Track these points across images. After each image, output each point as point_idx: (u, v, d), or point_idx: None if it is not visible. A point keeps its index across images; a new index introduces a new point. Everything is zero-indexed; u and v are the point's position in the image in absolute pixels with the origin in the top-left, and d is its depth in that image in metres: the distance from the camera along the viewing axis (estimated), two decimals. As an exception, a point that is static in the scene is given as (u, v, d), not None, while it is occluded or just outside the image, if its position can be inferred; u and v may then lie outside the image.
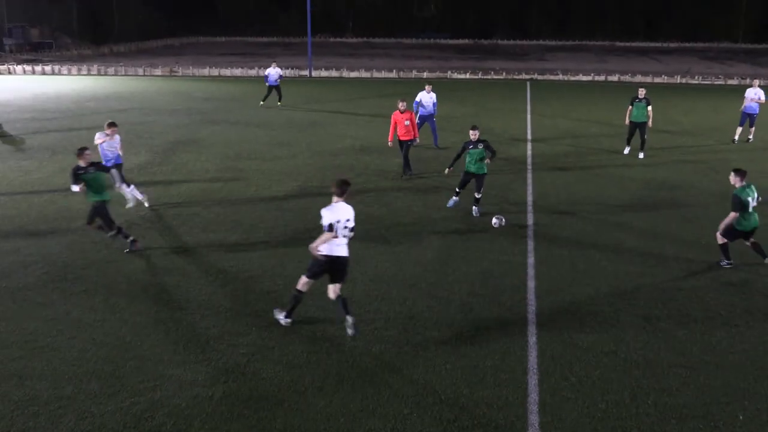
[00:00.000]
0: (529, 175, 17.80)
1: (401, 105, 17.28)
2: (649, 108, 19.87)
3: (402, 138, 17.27)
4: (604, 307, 10.04)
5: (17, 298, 10.14)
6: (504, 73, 42.76)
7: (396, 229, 13.41)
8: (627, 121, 20.31)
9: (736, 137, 22.51)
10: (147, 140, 21.84)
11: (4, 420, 7.18)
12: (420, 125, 19.77)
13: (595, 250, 12.39)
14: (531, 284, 10.81)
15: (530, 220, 14.09)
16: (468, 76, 42.09)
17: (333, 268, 8.89)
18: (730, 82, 41.32)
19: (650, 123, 20.03)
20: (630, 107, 20.10)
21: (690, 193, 16.35)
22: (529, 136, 23.21)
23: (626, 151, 20.41)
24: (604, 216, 14.54)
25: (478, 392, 7.78)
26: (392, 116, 17.47)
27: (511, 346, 8.82)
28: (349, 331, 8.86)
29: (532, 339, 9.01)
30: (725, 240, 11.55)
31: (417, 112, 20.36)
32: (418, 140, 17.56)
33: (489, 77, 42.04)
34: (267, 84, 29.22)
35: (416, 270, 11.37)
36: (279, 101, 29.29)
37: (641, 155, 20.03)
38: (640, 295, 10.52)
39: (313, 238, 9.20)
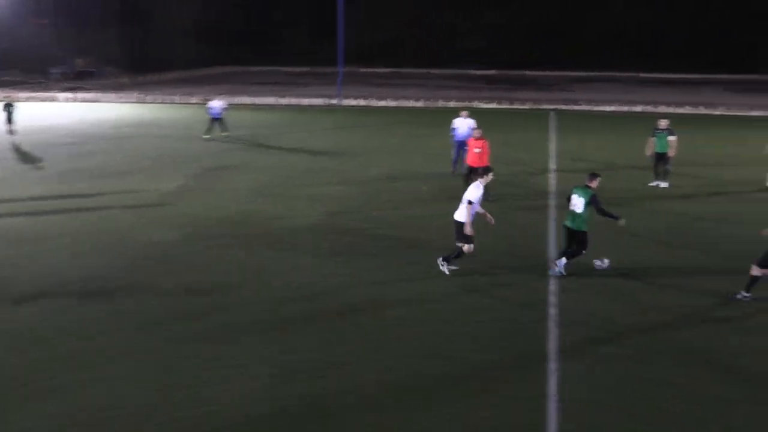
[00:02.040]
0: (552, 204, 17.92)
1: (476, 132, 18.47)
2: (672, 138, 19.88)
3: (469, 163, 17.98)
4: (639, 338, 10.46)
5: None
6: (529, 104, 43.12)
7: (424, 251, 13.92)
8: (648, 153, 20.47)
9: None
10: (182, 165, 22.81)
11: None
12: (457, 151, 20.59)
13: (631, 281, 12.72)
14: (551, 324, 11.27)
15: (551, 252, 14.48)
16: (495, 105, 42.52)
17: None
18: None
19: (672, 153, 19.99)
20: (652, 138, 20.27)
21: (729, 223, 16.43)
22: (552, 166, 23.38)
23: (652, 183, 20.27)
24: (637, 248, 14.56)
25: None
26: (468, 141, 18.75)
27: (528, 384, 9.31)
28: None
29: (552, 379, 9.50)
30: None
31: (453, 137, 21.06)
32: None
33: (515, 107, 42.40)
34: (209, 116, 28.58)
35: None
36: (223, 132, 28.52)
37: (663, 185, 20.02)
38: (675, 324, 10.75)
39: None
